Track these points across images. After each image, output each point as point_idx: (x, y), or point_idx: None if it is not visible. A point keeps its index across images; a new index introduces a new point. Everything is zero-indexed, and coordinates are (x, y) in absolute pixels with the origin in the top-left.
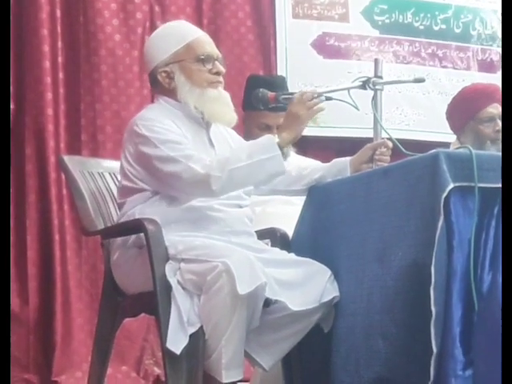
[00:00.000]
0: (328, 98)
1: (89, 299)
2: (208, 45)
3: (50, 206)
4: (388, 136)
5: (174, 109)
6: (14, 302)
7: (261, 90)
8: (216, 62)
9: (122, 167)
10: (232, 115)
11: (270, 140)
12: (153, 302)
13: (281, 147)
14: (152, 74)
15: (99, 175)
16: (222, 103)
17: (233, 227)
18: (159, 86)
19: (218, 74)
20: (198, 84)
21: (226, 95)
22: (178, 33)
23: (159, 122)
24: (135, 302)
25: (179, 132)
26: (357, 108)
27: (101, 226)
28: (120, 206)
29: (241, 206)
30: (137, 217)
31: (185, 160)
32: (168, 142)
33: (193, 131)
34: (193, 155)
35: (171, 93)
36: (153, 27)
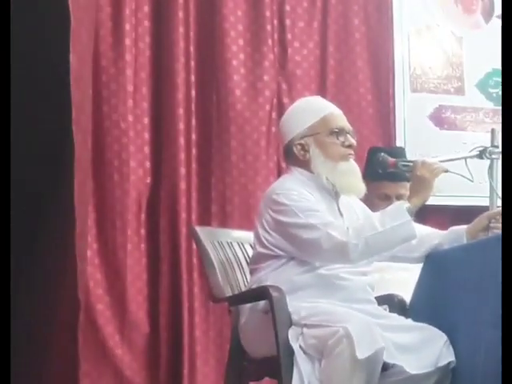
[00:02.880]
0: (445, 171)
1: (215, 363)
2: (341, 119)
3: (180, 274)
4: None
5: (307, 179)
6: (146, 361)
7: (382, 154)
8: (348, 135)
9: (257, 234)
10: (361, 186)
11: (400, 206)
12: (276, 366)
13: (411, 212)
14: (288, 146)
15: (228, 244)
16: (352, 175)
17: (356, 295)
18: (294, 157)
19: (349, 146)
20: (331, 157)
21: (356, 167)
22: (314, 107)
23: (296, 191)
24: (260, 365)
25: (315, 201)
26: (471, 180)
27: (228, 293)
28: (253, 272)
29: (365, 274)
30: (267, 283)
31: (324, 227)
32: (307, 209)
33: (324, 201)
34: (331, 222)
35: (305, 164)
36: (280, 104)
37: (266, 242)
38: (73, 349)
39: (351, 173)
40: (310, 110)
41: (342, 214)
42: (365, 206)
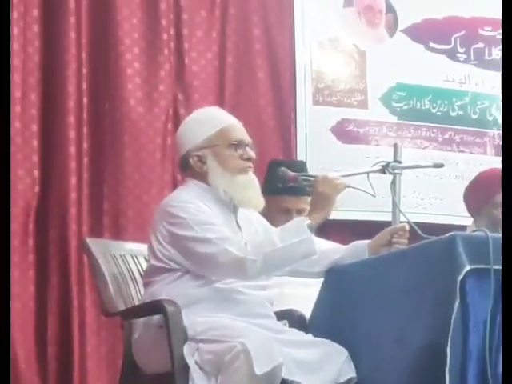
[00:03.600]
0: (346, 187)
1: (107, 380)
2: (240, 131)
3: (70, 287)
4: (406, 220)
5: (204, 192)
6: (34, 382)
7: (282, 168)
8: (247, 148)
9: (151, 247)
10: (260, 200)
11: (300, 223)
12: (171, 382)
13: (311, 229)
14: (184, 158)
15: (121, 257)
16: (250, 188)
17: (254, 310)
18: (190, 169)
19: (248, 159)
20: (229, 169)
21: (255, 180)
22: (212, 118)
23: (193, 204)
24: (154, 381)
25: (212, 214)
26: (373, 195)
27: (121, 307)
28: (147, 286)
29: (264, 288)
30: (162, 297)
31: (220, 242)
32: (203, 223)
33: (222, 214)
34: (228, 237)
35: (202, 176)
36: (176, 115)
37: (160, 254)
38: None
39: (250, 186)
40: (208, 121)
41: (240, 228)
42: (264, 220)
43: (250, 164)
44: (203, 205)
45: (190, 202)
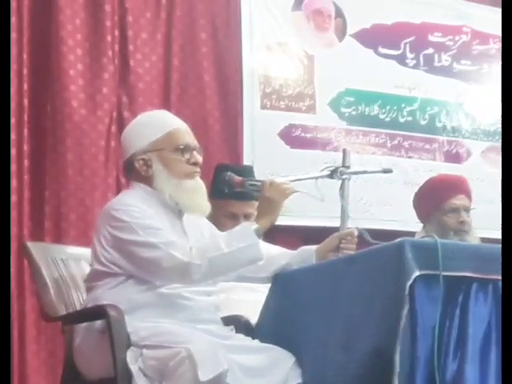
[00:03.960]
0: (294, 192)
1: None
2: (187, 135)
3: (10, 292)
4: (354, 225)
5: (149, 196)
6: None
7: (228, 173)
8: (194, 152)
9: (94, 251)
10: (206, 205)
11: (247, 228)
12: None
13: (259, 234)
14: (129, 161)
15: (62, 261)
16: (197, 194)
17: (199, 315)
18: (135, 173)
19: (195, 164)
20: (175, 174)
21: (202, 185)
22: (159, 122)
23: (137, 208)
24: None
25: (157, 218)
26: (321, 199)
27: (62, 312)
28: (89, 290)
29: (210, 294)
30: (104, 302)
31: (165, 247)
32: (147, 227)
33: (167, 219)
34: (173, 242)
35: (147, 180)
36: (120, 118)
37: (103, 259)
38: None
39: (196, 191)
40: (155, 124)
41: (185, 233)
42: (211, 224)
43: (197, 169)
44: (148, 209)
45: (135, 206)
